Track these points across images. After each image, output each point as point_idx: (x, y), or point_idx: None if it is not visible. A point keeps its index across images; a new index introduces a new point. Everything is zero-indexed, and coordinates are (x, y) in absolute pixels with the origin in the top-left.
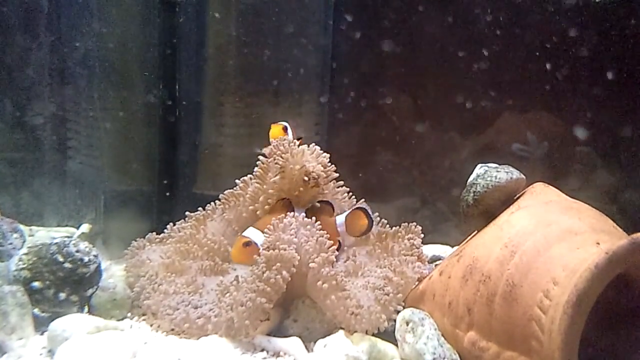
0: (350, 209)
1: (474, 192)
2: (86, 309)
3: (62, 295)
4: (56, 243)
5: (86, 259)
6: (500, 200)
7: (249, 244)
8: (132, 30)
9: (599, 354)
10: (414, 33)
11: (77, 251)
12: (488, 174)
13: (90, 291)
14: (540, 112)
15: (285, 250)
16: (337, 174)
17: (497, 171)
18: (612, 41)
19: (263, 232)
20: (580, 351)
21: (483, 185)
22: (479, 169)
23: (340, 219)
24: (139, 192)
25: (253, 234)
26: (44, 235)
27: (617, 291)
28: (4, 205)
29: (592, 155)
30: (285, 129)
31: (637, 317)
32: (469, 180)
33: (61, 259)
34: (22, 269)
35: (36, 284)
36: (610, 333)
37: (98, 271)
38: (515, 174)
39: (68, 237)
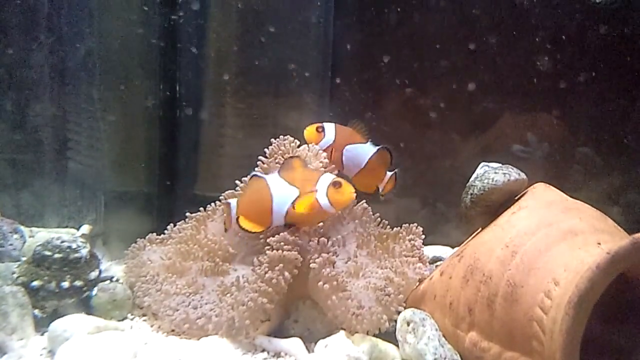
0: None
1: (472, 194)
2: (95, 291)
3: (66, 284)
4: (39, 244)
5: (74, 245)
6: (499, 202)
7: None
8: (132, 31)
9: (601, 351)
10: (415, 33)
11: (62, 242)
12: (486, 176)
13: (92, 274)
14: (541, 113)
15: (289, 251)
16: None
17: (495, 172)
18: (614, 42)
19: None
20: (581, 347)
21: (480, 188)
22: (480, 169)
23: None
24: (139, 193)
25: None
26: (44, 236)
27: (618, 289)
28: (4, 206)
29: (593, 156)
30: (320, 129)
31: (638, 314)
32: (469, 182)
33: (49, 253)
34: (18, 277)
35: (35, 283)
36: (612, 329)
37: (93, 256)
38: (514, 175)
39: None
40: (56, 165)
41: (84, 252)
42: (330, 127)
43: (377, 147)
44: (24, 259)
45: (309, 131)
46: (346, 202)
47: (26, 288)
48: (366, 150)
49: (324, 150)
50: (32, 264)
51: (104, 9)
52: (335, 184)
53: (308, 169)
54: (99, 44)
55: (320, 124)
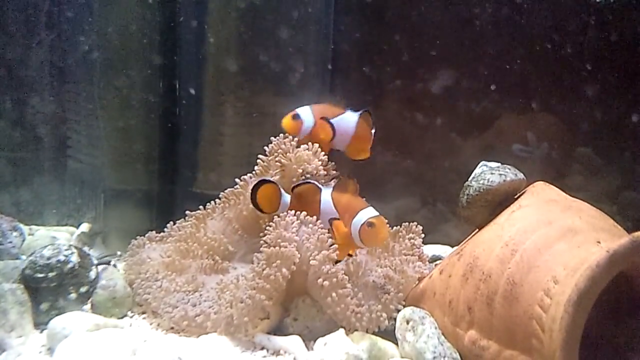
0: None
1: (467, 194)
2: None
3: (73, 296)
4: (27, 267)
5: (62, 257)
6: (495, 202)
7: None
8: (132, 29)
9: (600, 349)
10: (415, 32)
11: (49, 258)
12: (482, 176)
13: (92, 274)
14: (541, 113)
15: (286, 247)
16: (337, 172)
17: (492, 173)
18: (614, 41)
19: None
20: (580, 345)
21: (476, 188)
22: (478, 169)
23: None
24: (139, 191)
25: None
26: (43, 234)
27: (617, 287)
28: (3, 203)
29: (592, 155)
30: (295, 116)
31: (638, 311)
32: (466, 181)
33: (42, 275)
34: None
35: (43, 306)
36: (612, 327)
37: (83, 255)
38: (510, 175)
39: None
40: (55, 163)
41: (74, 258)
42: (305, 111)
43: (359, 112)
44: (23, 257)
45: (286, 122)
46: (377, 243)
47: (36, 310)
48: (350, 118)
49: (307, 137)
50: (30, 286)
51: (104, 6)
52: (370, 224)
53: (356, 197)
54: (99, 41)
55: (294, 112)
